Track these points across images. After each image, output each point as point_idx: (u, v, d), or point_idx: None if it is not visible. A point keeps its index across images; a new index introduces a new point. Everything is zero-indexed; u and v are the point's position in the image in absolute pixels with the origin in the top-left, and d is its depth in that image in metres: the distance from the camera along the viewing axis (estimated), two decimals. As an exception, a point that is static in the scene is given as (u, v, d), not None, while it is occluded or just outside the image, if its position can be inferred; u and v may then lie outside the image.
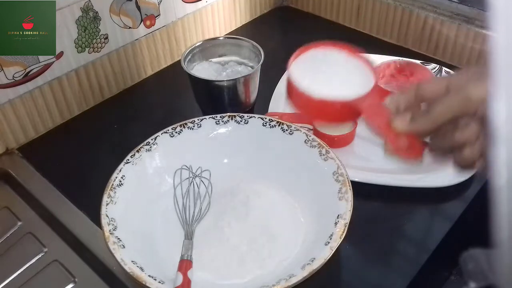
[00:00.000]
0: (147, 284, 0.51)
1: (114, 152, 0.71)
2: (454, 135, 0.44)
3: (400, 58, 0.86)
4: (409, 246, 0.65)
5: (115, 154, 0.67)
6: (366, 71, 0.52)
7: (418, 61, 0.87)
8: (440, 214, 0.69)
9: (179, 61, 0.80)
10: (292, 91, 0.51)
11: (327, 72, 0.52)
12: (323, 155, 0.65)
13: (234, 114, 0.72)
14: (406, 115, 0.45)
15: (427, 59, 0.93)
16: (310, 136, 0.68)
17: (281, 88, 0.86)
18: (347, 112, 0.49)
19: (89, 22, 0.80)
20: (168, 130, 0.69)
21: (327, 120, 0.54)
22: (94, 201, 0.60)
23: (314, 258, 0.54)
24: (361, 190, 0.62)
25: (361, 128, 0.77)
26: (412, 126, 0.44)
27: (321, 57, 0.54)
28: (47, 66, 0.77)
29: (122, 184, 0.63)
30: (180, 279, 0.54)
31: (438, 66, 0.89)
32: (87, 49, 0.82)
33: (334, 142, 0.72)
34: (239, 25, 1.09)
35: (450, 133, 0.44)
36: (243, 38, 0.85)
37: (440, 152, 0.46)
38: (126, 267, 0.53)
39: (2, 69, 0.72)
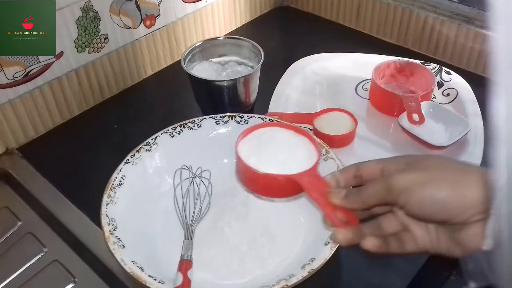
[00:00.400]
0: (147, 284, 0.51)
1: (114, 152, 0.71)
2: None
3: (400, 58, 0.86)
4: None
5: (115, 154, 0.67)
6: (310, 148, 0.56)
7: (418, 61, 0.87)
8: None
9: (179, 61, 0.80)
10: (239, 167, 0.55)
11: (272, 149, 0.56)
12: (323, 155, 0.65)
13: (234, 114, 0.72)
14: (342, 191, 0.47)
15: (427, 59, 0.93)
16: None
17: (281, 88, 0.86)
18: (290, 186, 0.52)
19: (89, 22, 0.80)
20: (168, 130, 0.69)
21: (272, 195, 0.58)
22: (94, 201, 0.60)
23: (314, 258, 0.54)
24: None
25: (361, 128, 0.77)
26: (344, 202, 0.46)
27: (268, 135, 0.58)
28: (47, 66, 0.77)
29: (122, 184, 0.63)
30: (180, 279, 0.54)
31: (438, 66, 0.89)
32: (87, 49, 0.82)
33: (334, 142, 0.72)
34: (239, 25, 1.09)
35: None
36: (243, 38, 0.85)
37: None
38: (126, 267, 0.53)
39: (2, 69, 0.72)
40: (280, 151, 0.56)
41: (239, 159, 0.54)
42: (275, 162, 0.54)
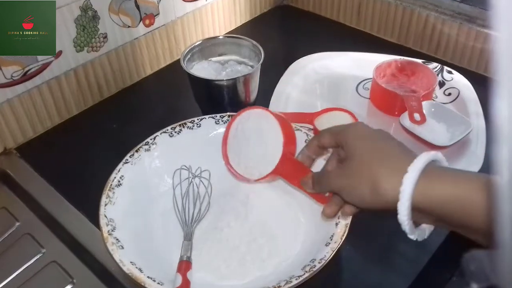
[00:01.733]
0: (146, 285, 0.51)
1: (113, 152, 0.70)
2: None
3: (401, 57, 0.85)
4: (410, 247, 0.65)
5: (114, 154, 0.67)
6: (276, 132, 0.59)
7: (419, 60, 0.86)
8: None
9: (178, 61, 0.80)
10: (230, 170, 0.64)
11: (248, 148, 0.62)
12: (323, 155, 0.65)
13: (234, 113, 0.71)
14: (309, 182, 0.54)
15: (428, 58, 0.92)
16: (310, 135, 0.67)
17: (281, 87, 0.86)
18: (272, 178, 0.60)
19: (88, 21, 0.80)
20: (167, 130, 0.69)
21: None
22: (92, 201, 0.60)
23: (315, 259, 0.53)
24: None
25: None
26: (316, 190, 0.54)
27: (240, 131, 0.63)
28: (45, 66, 0.77)
29: (121, 184, 0.62)
30: (179, 280, 0.54)
31: (439, 65, 0.88)
32: (86, 48, 0.82)
33: None
34: (239, 24, 1.08)
35: None
36: (243, 37, 0.84)
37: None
38: (125, 268, 0.52)
39: (1, 69, 0.72)
40: (254, 149, 0.61)
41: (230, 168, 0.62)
42: (256, 161, 0.60)
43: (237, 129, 0.63)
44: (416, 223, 0.47)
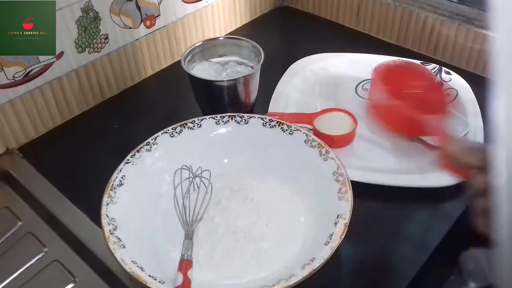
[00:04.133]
0: (147, 284, 0.51)
1: (114, 152, 0.71)
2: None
3: (400, 58, 0.86)
4: (409, 246, 0.65)
5: (115, 154, 0.67)
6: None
7: (418, 61, 0.87)
8: (440, 214, 0.69)
9: (179, 61, 0.80)
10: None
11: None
12: (323, 155, 0.65)
13: (234, 114, 0.72)
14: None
15: (427, 59, 0.93)
16: (310, 136, 0.68)
17: (281, 88, 0.86)
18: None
19: (89, 22, 0.80)
20: (168, 130, 0.69)
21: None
22: (94, 201, 0.60)
23: (314, 258, 0.54)
24: (361, 190, 0.62)
25: (361, 128, 0.77)
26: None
27: None
28: (47, 66, 0.78)
29: (122, 184, 0.63)
30: (180, 279, 0.54)
31: (438, 66, 0.89)
32: (87, 49, 0.82)
33: (334, 142, 0.72)
34: (239, 25, 1.09)
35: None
36: (243, 38, 0.85)
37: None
38: (126, 267, 0.53)
39: (3, 69, 0.72)
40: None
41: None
42: None
43: None
44: None
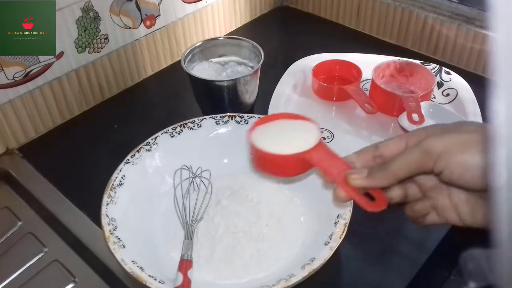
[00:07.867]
0: (147, 284, 0.51)
1: (114, 152, 0.71)
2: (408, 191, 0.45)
3: (400, 58, 0.86)
4: (409, 246, 0.65)
5: (115, 154, 0.67)
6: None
7: (418, 61, 0.87)
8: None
9: (179, 61, 0.80)
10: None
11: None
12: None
13: (234, 114, 0.72)
14: (363, 170, 0.43)
15: (427, 59, 0.93)
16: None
17: (281, 88, 0.86)
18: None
19: (89, 22, 0.80)
20: (168, 130, 0.69)
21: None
22: (94, 201, 0.61)
23: (314, 258, 0.54)
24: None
25: (361, 128, 0.77)
26: (369, 182, 0.42)
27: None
28: (47, 66, 0.78)
29: (122, 184, 0.63)
30: (180, 279, 0.54)
31: (438, 66, 0.89)
32: (87, 49, 0.82)
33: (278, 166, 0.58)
34: (239, 25, 1.09)
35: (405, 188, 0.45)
36: (243, 38, 0.85)
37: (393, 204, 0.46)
38: (126, 267, 0.53)
39: (3, 69, 0.72)
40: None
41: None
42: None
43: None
44: None
